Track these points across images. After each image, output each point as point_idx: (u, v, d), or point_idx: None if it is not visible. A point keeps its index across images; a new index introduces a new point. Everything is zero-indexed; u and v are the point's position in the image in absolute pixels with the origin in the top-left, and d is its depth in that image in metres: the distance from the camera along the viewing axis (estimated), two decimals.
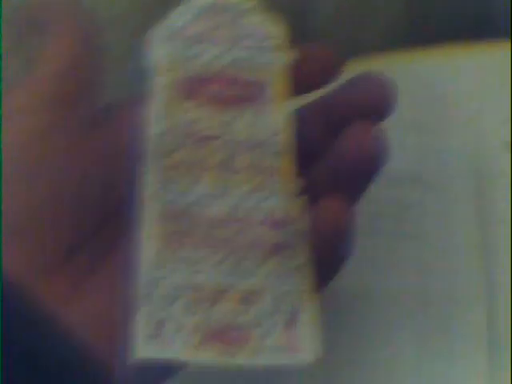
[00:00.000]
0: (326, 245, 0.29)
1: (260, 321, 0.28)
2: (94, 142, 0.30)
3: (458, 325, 0.36)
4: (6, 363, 0.25)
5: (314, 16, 0.47)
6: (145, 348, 0.27)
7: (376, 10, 0.46)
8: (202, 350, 0.27)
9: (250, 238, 0.29)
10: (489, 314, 0.36)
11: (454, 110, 0.40)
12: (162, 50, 0.31)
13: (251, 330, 0.27)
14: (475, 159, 0.39)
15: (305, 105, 0.33)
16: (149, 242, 0.28)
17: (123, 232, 0.30)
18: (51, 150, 0.29)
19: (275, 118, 0.31)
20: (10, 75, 0.31)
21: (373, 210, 0.38)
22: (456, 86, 0.41)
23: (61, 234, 0.29)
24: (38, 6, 0.31)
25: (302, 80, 0.32)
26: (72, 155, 0.29)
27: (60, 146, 0.29)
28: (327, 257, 0.30)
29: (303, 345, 0.27)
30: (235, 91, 0.31)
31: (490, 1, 0.46)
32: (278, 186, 0.30)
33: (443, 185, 0.39)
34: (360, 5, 0.46)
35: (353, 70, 0.38)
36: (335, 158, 0.31)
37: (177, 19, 0.32)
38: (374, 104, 0.31)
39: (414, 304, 0.36)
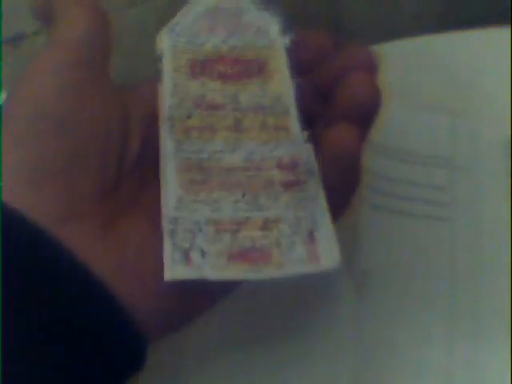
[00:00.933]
0: (339, 169, 0.31)
1: (280, 241, 0.30)
2: (121, 100, 0.33)
3: (486, 307, 0.36)
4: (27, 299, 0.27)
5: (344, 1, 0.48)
6: (174, 270, 0.29)
7: None
8: (228, 269, 0.29)
9: (264, 179, 0.31)
10: None
11: (486, 94, 0.40)
12: (168, 42, 0.35)
13: (273, 249, 0.30)
14: (506, 143, 0.39)
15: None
16: (169, 191, 0.31)
17: (149, 179, 0.32)
18: (85, 101, 0.31)
19: (276, 87, 0.34)
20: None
21: (403, 193, 0.38)
22: (489, 71, 0.41)
23: (92, 178, 0.30)
24: None
25: (299, 60, 0.34)
26: (104, 108, 0.31)
27: (93, 99, 0.31)
28: (340, 181, 0.31)
29: (323, 254, 0.29)
30: (238, 69, 0.34)
31: None
32: (284, 138, 0.32)
33: (474, 168, 0.39)
34: None
35: (385, 53, 0.39)
36: (341, 97, 0.32)
37: (182, 18, 0.36)
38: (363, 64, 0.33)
39: (441, 286, 0.37)
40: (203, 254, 0.29)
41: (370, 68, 0.33)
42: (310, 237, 0.30)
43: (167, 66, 0.34)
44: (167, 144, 0.32)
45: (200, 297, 0.31)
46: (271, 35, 0.35)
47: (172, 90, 0.34)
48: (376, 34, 0.46)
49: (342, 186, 0.32)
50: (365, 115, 0.32)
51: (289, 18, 0.48)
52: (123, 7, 0.46)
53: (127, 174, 0.32)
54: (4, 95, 0.44)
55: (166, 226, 0.30)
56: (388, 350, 0.36)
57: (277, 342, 0.35)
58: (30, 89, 0.30)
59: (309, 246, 0.30)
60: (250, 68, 0.34)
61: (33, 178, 0.29)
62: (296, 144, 0.32)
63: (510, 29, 0.41)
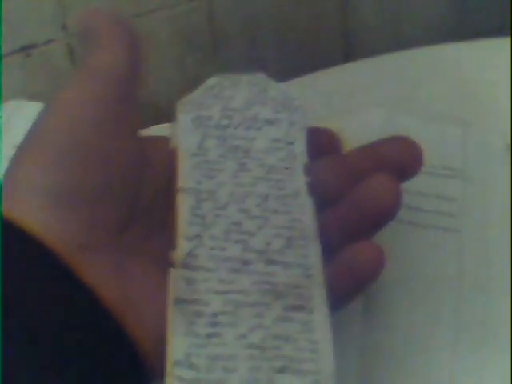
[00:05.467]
0: (360, 281, 0.31)
1: None
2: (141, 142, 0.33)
3: (493, 319, 0.36)
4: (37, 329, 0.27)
5: (356, 10, 0.47)
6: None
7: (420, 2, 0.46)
8: None
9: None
10: None
11: (496, 103, 0.40)
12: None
13: None
14: (507, 145, 0.39)
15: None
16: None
17: (157, 229, 0.32)
18: (118, 137, 0.31)
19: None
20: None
21: (412, 203, 0.38)
22: (500, 81, 0.40)
23: (109, 215, 0.30)
24: (88, 17, 0.33)
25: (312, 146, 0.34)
26: (131, 145, 0.32)
27: (125, 135, 0.31)
28: (356, 291, 0.32)
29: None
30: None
31: None
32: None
33: (485, 179, 0.38)
34: None
35: (396, 63, 0.39)
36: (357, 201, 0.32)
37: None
38: (401, 162, 0.33)
39: (449, 297, 0.36)
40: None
41: (417, 165, 0.32)
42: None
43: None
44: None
45: None
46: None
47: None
48: (387, 44, 0.46)
49: (354, 294, 0.32)
50: (385, 221, 0.32)
51: (300, 30, 0.48)
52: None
53: (138, 218, 0.32)
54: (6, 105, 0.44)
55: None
56: (393, 360, 0.35)
57: None
58: (60, 117, 0.30)
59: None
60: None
61: (55, 203, 0.29)
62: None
63: (510, 39, 0.41)
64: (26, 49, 0.46)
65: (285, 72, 0.40)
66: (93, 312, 0.28)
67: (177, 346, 0.29)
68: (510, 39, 0.41)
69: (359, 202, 0.32)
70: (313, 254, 0.31)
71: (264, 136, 0.34)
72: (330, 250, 0.32)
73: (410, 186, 0.36)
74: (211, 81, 0.35)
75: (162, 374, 0.30)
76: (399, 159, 0.32)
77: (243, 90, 0.35)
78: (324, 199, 0.33)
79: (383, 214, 0.32)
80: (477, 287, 0.36)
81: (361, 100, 0.42)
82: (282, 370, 0.29)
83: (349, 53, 0.49)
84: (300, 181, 0.33)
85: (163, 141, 0.34)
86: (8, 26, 0.44)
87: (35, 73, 0.47)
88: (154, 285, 0.30)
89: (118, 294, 0.29)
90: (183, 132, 0.34)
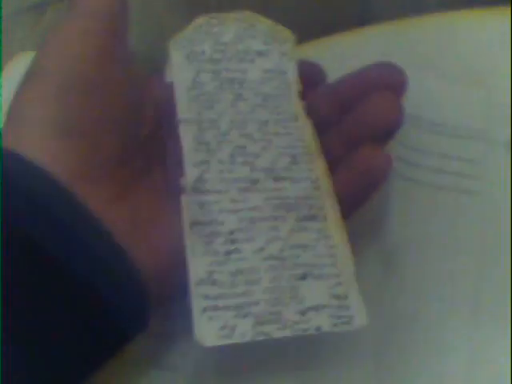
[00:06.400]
0: (368, 185, 0.33)
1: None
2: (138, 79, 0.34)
3: None
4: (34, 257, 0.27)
5: None
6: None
7: None
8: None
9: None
10: None
11: None
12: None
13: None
14: (507, 142, 0.38)
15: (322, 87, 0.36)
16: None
17: (155, 161, 0.34)
18: (112, 67, 0.32)
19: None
20: None
21: (435, 165, 0.38)
22: None
23: (114, 143, 0.32)
24: None
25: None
26: (126, 77, 0.33)
27: (118, 65, 0.32)
28: (364, 197, 0.33)
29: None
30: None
31: None
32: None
33: (507, 141, 0.38)
34: None
35: (410, 28, 0.39)
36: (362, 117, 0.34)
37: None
38: (388, 85, 0.34)
39: (469, 261, 0.36)
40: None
41: (401, 87, 0.34)
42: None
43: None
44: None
45: None
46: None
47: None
48: (405, 10, 0.46)
49: (364, 201, 0.33)
50: (389, 134, 0.34)
51: (315, 15, 0.48)
52: None
53: (140, 148, 0.33)
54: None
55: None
56: (412, 325, 0.35)
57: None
58: (59, 51, 0.31)
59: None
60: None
61: (59, 135, 0.30)
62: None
63: (509, 23, 0.41)
64: (38, 6, 0.46)
65: (301, 35, 0.40)
66: (95, 235, 0.29)
67: (198, 266, 0.30)
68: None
69: (364, 116, 0.33)
70: (318, 167, 0.33)
71: (257, 67, 0.35)
72: (335, 163, 0.33)
73: (432, 147, 0.36)
74: (200, 20, 0.36)
75: (170, 300, 0.31)
76: (386, 82, 0.34)
77: (232, 25, 0.36)
78: (319, 128, 0.34)
79: (389, 126, 0.33)
80: (497, 251, 0.36)
81: None
82: (303, 277, 0.31)
83: (365, 18, 0.49)
84: (297, 105, 0.34)
85: (158, 78, 0.35)
86: None
87: (48, 30, 0.46)
88: (158, 212, 0.32)
89: (122, 220, 0.30)
90: (177, 68, 0.35)
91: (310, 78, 0.36)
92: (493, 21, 0.41)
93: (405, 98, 0.35)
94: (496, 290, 0.36)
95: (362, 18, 0.48)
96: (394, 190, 0.38)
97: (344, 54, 0.42)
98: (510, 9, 0.41)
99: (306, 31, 0.43)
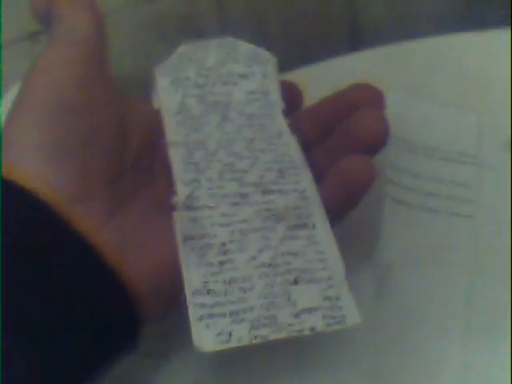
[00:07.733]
0: (353, 195, 0.33)
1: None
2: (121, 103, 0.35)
3: (504, 306, 0.36)
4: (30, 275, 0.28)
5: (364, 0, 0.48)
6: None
7: None
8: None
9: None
10: None
11: (506, 92, 0.40)
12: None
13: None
14: (506, 142, 0.39)
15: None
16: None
17: (154, 172, 0.35)
18: (94, 91, 0.33)
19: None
20: None
21: (426, 188, 0.38)
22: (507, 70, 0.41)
23: (102, 163, 0.33)
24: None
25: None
26: (108, 101, 0.34)
27: (99, 91, 0.33)
28: (349, 205, 0.34)
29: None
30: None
31: None
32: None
33: (498, 165, 0.39)
34: None
35: (404, 53, 0.39)
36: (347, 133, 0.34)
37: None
38: (367, 100, 0.35)
39: (461, 283, 0.37)
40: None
41: (380, 105, 0.35)
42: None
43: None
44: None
45: None
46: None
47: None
48: (395, 34, 0.46)
49: (350, 207, 0.34)
50: (376, 147, 0.34)
51: (308, 19, 0.48)
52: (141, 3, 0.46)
53: (127, 170, 0.34)
54: None
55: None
56: (405, 345, 0.36)
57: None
58: (44, 79, 0.32)
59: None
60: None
61: (49, 159, 0.31)
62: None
63: (510, 30, 0.41)
64: (33, 35, 0.46)
65: (292, 62, 0.41)
66: (85, 258, 0.30)
67: (193, 277, 0.31)
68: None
69: (349, 129, 0.34)
70: (305, 179, 0.34)
71: (240, 89, 0.36)
72: (320, 175, 0.34)
73: (424, 170, 0.37)
74: (184, 47, 0.37)
75: (162, 316, 0.32)
76: (365, 101, 0.35)
77: (214, 51, 0.37)
78: (302, 147, 0.35)
79: (375, 138, 0.34)
80: (489, 273, 0.37)
81: None
82: (295, 282, 0.31)
83: (356, 42, 0.49)
84: (281, 123, 0.36)
85: (143, 104, 0.36)
86: (16, 13, 0.44)
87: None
88: (149, 229, 0.32)
89: (114, 240, 0.31)
90: (164, 93, 0.36)
91: (290, 97, 0.37)
92: (483, 45, 0.41)
93: (397, 122, 0.35)
94: (487, 312, 0.36)
95: (352, 44, 0.49)
96: (386, 212, 0.38)
97: (335, 80, 0.42)
98: (503, 31, 0.42)
99: (295, 58, 0.44)
